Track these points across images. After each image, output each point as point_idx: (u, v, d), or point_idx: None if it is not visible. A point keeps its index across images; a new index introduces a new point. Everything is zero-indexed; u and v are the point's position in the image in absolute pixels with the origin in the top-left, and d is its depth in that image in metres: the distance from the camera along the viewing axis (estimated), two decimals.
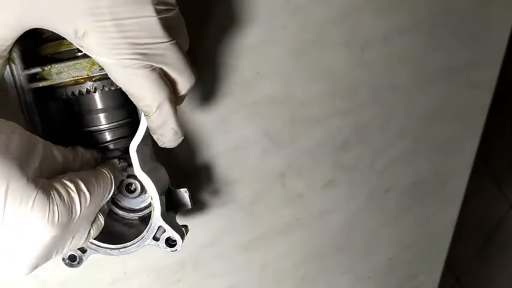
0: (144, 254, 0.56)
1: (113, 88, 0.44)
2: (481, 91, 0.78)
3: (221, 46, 0.57)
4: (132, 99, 0.40)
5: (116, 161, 0.45)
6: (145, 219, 0.50)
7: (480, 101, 0.79)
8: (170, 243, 0.47)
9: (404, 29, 0.66)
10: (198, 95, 0.57)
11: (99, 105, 0.45)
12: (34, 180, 0.34)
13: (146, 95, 0.39)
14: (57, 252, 0.38)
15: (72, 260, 0.48)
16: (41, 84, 0.42)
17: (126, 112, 0.47)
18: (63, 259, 0.48)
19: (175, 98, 0.41)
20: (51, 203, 0.35)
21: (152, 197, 0.46)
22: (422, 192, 0.81)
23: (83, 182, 0.38)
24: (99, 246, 0.47)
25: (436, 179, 0.82)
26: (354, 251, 0.79)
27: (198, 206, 0.62)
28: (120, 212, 0.50)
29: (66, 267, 0.48)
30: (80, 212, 0.37)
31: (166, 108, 0.40)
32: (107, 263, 0.59)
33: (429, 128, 0.76)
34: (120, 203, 0.50)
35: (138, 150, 0.44)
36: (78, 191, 0.37)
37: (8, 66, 0.41)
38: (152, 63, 0.38)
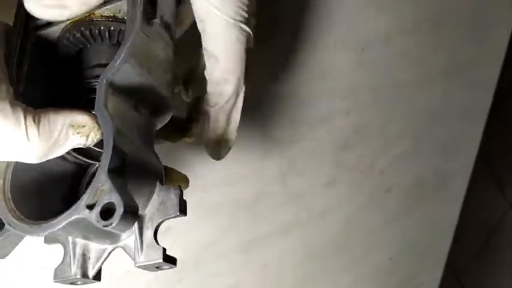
0: None
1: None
2: (482, 91, 0.78)
3: None
4: (217, 72, 0.37)
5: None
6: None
7: (481, 101, 0.79)
8: (106, 212, 0.31)
9: (405, 29, 0.66)
10: None
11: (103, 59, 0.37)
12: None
13: (237, 67, 0.37)
14: None
15: None
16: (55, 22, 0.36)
17: None
18: None
19: None
20: None
21: (105, 144, 0.32)
22: (423, 192, 0.82)
23: None
24: (17, 224, 0.34)
25: (436, 179, 0.82)
26: (355, 251, 0.79)
27: (198, 206, 0.62)
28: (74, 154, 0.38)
29: None
30: None
31: (242, 96, 0.38)
32: (107, 263, 0.59)
33: (430, 128, 0.76)
34: None
35: (114, 82, 0.33)
36: None
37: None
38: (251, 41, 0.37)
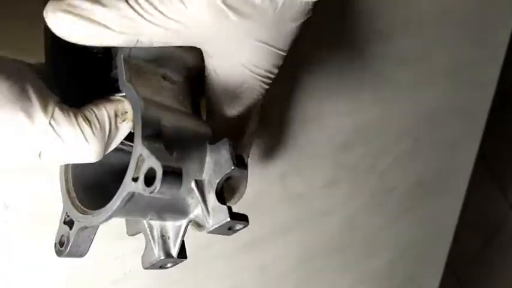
0: None
1: None
2: (482, 91, 0.78)
3: None
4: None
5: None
6: None
7: (481, 101, 0.79)
8: (149, 179, 0.30)
9: (405, 29, 0.66)
10: None
11: None
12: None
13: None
14: None
15: (61, 245, 0.36)
16: None
17: None
18: (55, 245, 0.37)
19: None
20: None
21: (134, 115, 0.32)
22: (423, 193, 0.81)
23: None
24: (82, 217, 0.35)
25: (437, 179, 0.82)
26: (355, 252, 0.79)
27: None
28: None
29: (57, 256, 0.37)
30: None
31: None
32: (107, 263, 0.59)
33: (430, 127, 0.76)
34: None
35: (132, 56, 0.34)
36: None
37: None
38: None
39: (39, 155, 0.30)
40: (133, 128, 0.33)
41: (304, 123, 0.65)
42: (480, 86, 0.77)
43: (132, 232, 0.40)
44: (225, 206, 0.34)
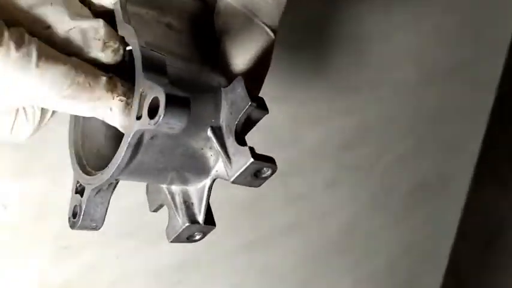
0: (145, 254, 0.55)
1: None
2: (483, 91, 0.78)
3: None
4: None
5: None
6: None
7: (482, 101, 0.79)
8: (153, 111, 0.27)
9: (405, 29, 0.66)
10: None
11: None
12: None
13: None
14: None
15: (74, 216, 0.33)
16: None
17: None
18: (69, 219, 0.34)
19: None
20: None
21: (134, 52, 0.29)
22: (425, 193, 0.81)
23: None
24: (92, 179, 0.33)
25: (438, 180, 0.82)
26: (356, 252, 0.79)
27: None
28: None
29: (71, 229, 0.34)
30: None
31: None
32: (107, 264, 0.59)
33: (431, 128, 0.76)
34: None
35: None
36: None
37: None
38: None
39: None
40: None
41: (305, 123, 0.65)
42: (482, 86, 0.77)
43: (154, 207, 0.37)
44: (246, 147, 0.30)
